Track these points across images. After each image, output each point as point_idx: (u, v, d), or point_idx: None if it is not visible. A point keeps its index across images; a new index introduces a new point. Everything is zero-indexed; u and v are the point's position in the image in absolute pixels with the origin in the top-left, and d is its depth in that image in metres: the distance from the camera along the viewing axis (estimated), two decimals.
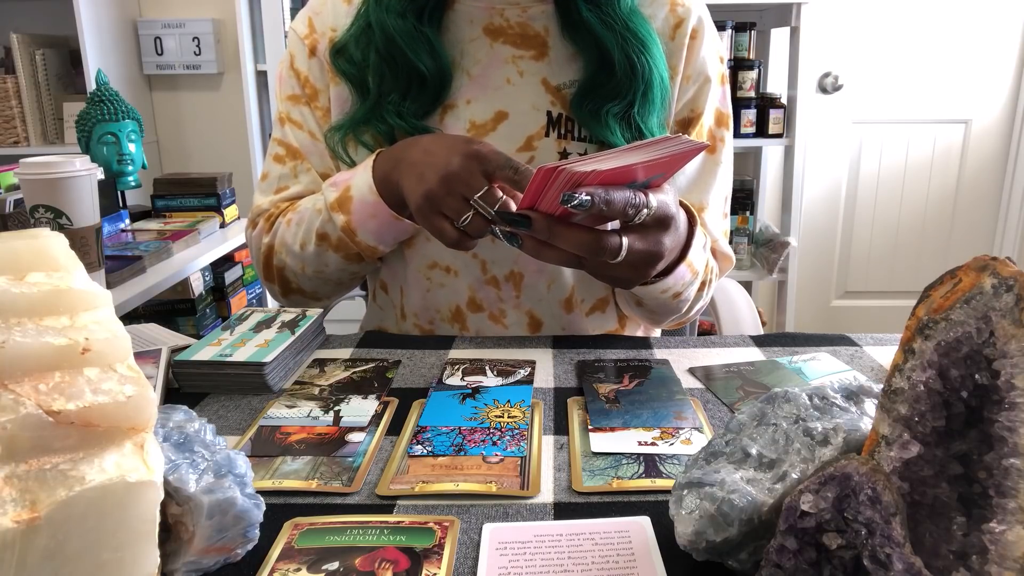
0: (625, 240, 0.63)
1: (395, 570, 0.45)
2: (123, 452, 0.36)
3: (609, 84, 0.81)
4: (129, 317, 1.32)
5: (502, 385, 0.70)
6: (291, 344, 0.75)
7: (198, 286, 1.72)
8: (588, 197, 0.56)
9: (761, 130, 2.44)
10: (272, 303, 2.09)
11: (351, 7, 0.88)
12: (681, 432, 0.61)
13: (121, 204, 1.62)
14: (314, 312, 0.82)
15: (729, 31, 2.42)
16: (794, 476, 0.42)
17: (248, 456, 0.55)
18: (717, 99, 0.90)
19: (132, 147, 1.59)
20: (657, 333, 1.02)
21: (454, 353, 0.79)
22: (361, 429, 0.62)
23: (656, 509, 0.51)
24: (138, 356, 0.69)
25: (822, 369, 0.73)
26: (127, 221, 1.61)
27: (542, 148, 0.83)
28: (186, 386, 0.71)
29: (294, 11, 2.42)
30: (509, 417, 0.64)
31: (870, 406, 0.46)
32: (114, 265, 1.31)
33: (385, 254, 0.87)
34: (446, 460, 0.57)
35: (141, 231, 1.58)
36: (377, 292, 0.97)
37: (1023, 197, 2.77)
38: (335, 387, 0.71)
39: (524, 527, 0.49)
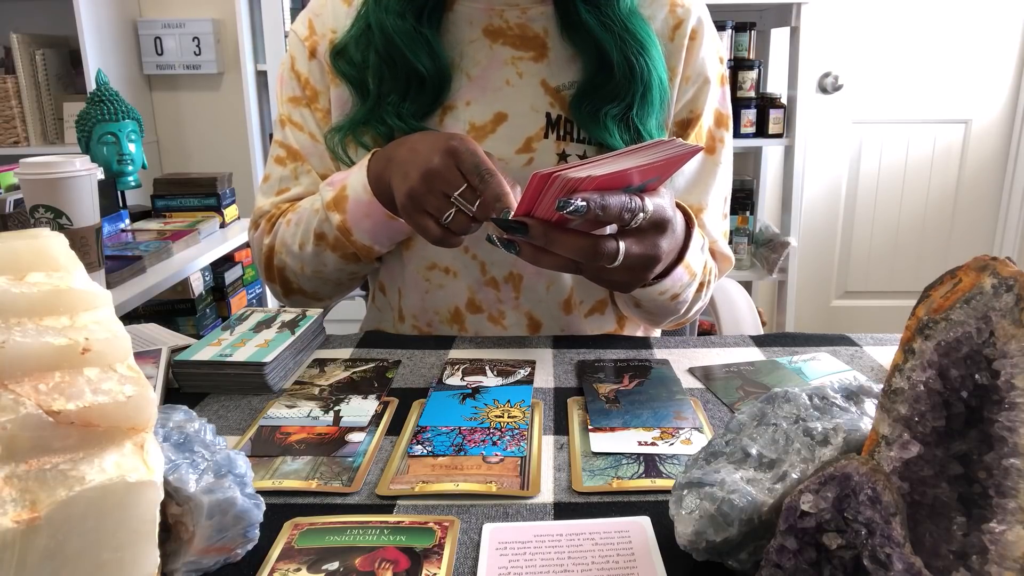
0: (622, 244, 0.62)
1: (395, 570, 0.45)
2: (123, 452, 0.36)
3: (608, 86, 0.81)
4: (129, 317, 1.32)
5: (502, 385, 0.70)
6: (291, 344, 0.75)
7: (198, 286, 1.72)
8: (584, 203, 0.56)
9: (761, 130, 2.44)
10: (272, 303, 2.09)
11: (351, 8, 0.88)
12: (681, 432, 0.61)
13: (121, 204, 1.62)
14: (314, 312, 0.82)
15: (729, 31, 2.43)
16: (794, 476, 0.42)
17: (248, 456, 0.55)
18: (716, 100, 0.90)
19: (132, 147, 1.59)
20: (657, 333, 1.02)
21: (454, 353, 0.79)
22: (361, 429, 0.62)
23: (656, 509, 0.51)
24: (138, 356, 0.69)
25: (822, 369, 0.73)
26: (127, 221, 1.62)
27: (541, 149, 0.83)
28: (186, 386, 0.71)
29: (294, 11, 2.42)
30: (509, 417, 0.64)
31: (870, 406, 0.46)
32: (114, 265, 1.31)
33: (383, 255, 0.87)
34: (446, 460, 0.57)
35: (141, 231, 1.58)
36: (376, 295, 0.97)
37: (1023, 197, 2.77)
38: (335, 387, 0.71)
39: (524, 527, 0.49)
